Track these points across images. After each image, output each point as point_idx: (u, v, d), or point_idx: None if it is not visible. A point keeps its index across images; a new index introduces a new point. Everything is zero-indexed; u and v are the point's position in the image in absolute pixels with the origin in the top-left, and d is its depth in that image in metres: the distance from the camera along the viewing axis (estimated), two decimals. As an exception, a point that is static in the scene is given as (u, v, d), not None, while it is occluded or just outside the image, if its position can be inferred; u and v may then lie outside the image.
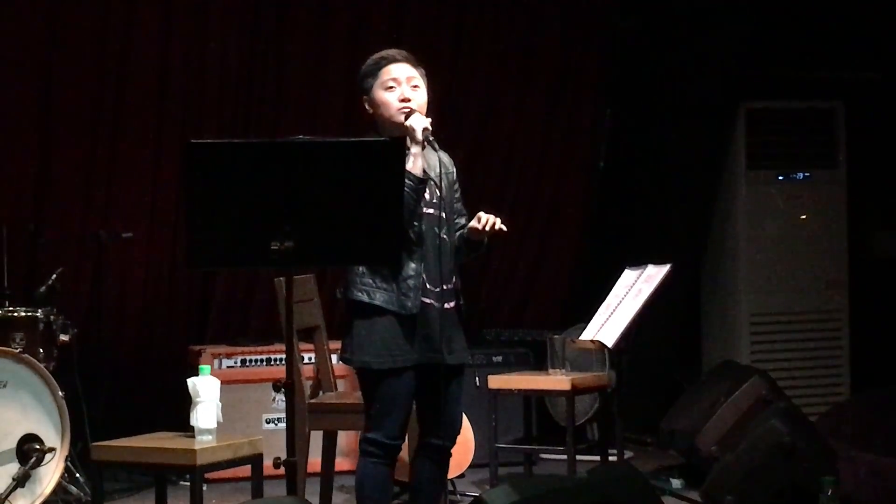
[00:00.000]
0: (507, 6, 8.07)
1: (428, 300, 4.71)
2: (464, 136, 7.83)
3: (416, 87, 4.76)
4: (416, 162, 4.67)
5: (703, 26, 8.06)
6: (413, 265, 4.69)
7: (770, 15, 7.94)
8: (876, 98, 8.28)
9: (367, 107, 4.79)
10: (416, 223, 4.70)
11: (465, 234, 4.84)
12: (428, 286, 4.71)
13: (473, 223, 4.74)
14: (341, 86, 7.44)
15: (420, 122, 4.69)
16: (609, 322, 6.01)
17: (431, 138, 4.71)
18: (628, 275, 6.15)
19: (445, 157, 4.84)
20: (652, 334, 6.93)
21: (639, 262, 6.19)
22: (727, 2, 7.94)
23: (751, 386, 6.70)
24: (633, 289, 6.04)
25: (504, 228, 4.74)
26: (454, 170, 4.89)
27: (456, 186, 4.91)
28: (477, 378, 7.06)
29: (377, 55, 4.81)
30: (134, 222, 7.22)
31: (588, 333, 6.07)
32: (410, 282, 4.68)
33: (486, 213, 4.74)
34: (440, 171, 4.76)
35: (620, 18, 8.34)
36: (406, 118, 4.71)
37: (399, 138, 4.57)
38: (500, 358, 7.44)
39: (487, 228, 4.72)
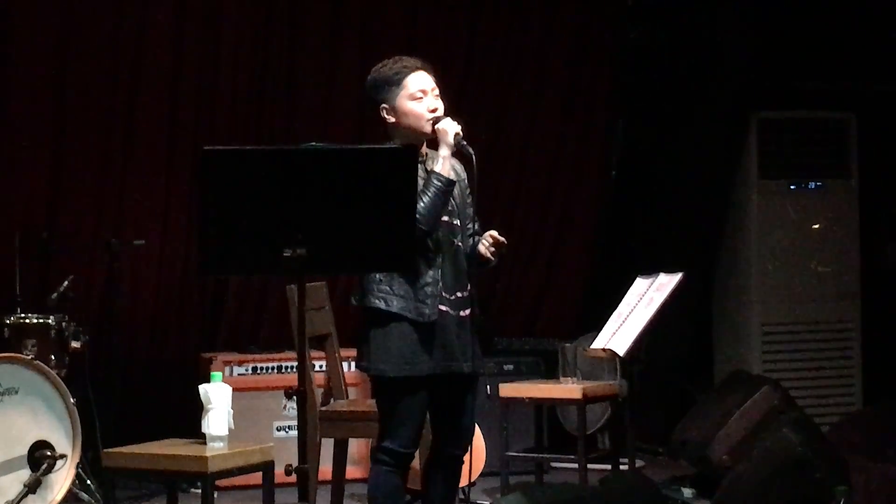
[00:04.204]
0: (518, 16, 8.08)
1: (444, 308, 4.71)
2: (475, 144, 7.79)
3: (437, 96, 4.77)
4: (445, 164, 4.70)
5: (715, 36, 8.06)
6: (430, 272, 4.69)
7: (782, 25, 7.94)
8: (888, 109, 8.27)
9: (385, 115, 4.76)
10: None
11: (474, 246, 4.83)
12: (444, 294, 4.71)
13: (482, 248, 4.76)
14: (353, 93, 7.44)
15: (452, 127, 4.71)
16: (621, 331, 6.01)
17: (464, 142, 4.71)
18: (640, 283, 6.15)
19: (458, 165, 4.85)
20: (663, 343, 6.91)
21: (651, 270, 6.19)
22: (739, 12, 7.94)
23: (762, 396, 6.69)
24: (645, 297, 6.03)
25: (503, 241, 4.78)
26: (465, 176, 4.90)
27: (468, 192, 4.90)
28: (488, 387, 7.06)
29: (395, 63, 4.78)
30: (146, 230, 7.23)
31: (599, 342, 6.06)
32: (428, 289, 4.68)
33: (493, 237, 4.76)
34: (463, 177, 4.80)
35: (632, 28, 8.34)
36: (434, 124, 4.71)
37: (412, 145, 4.58)
38: (511, 366, 7.44)
39: (493, 250, 4.75)
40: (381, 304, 4.69)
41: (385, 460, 4.74)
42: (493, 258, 4.80)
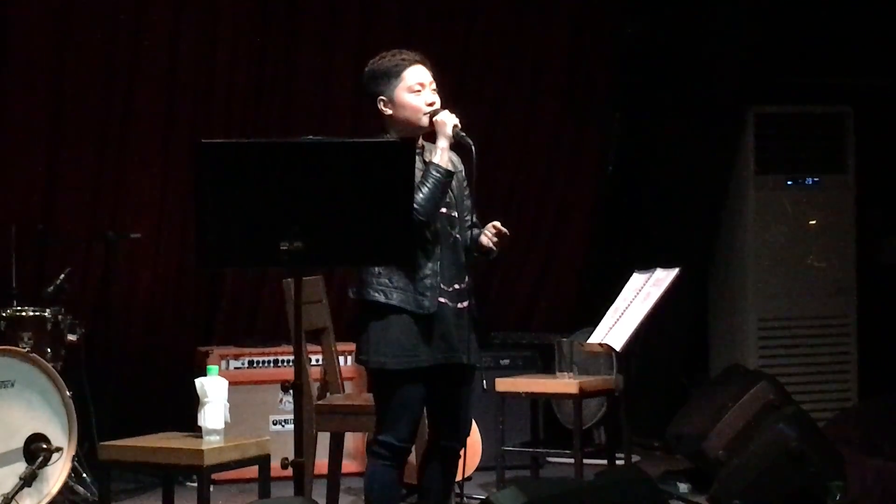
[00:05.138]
0: (515, 12, 8.07)
1: (443, 300, 4.71)
2: (472, 139, 7.80)
3: (434, 90, 4.79)
4: (443, 156, 4.71)
5: (711, 31, 8.05)
6: (430, 264, 4.69)
7: (779, 19, 7.93)
8: (885, 103, 8.26)
9: (382, 108, 4.76)
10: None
11: (475, 238, 4.84)
12: (442, 286, 4.71)
13: (485, 239, 4.77)
14: (350, 89, 7.44)
15: (450, 119, 4.73)
16: (617, 325, 6.01)
17: (463, 134, 4.72)
18: (637, 278, 6.15)
19: (455, 157, 4.85)
20: (660, 338, 6.92)
21: (647, 265, 6.19)
22: (736, 6, 7.93)
23: (758, 390, 6.69)
24: (642, 292, 6.03)
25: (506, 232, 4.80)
26: (463, 168, 4.90)
27: (465, 184, 4.91)
28: (484, 381, 7.01)
29: (393, 56, 4.78)
30: (142, 223, 7.23)
31: (596, 337, 6.07)
32: (427, 281, 4.68)
33: (496, 228, 4.79)
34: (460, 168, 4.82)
35: (629, 23, 8.34)
36: (432, 116, 4.72)
37: (409, 139, 4.59)
38: (507, 361, 7.44)
39: (496, 240, 4.78)
40: (381, 297, 4.68)
41: (382, 454, 4.74)
42: (495, 249, 4.81)
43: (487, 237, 4.80)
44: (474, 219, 4.89)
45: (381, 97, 4.76)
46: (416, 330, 4.68)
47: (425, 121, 4.75)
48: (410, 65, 4.76)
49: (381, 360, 4.70)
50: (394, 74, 4.74)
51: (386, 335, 4.68)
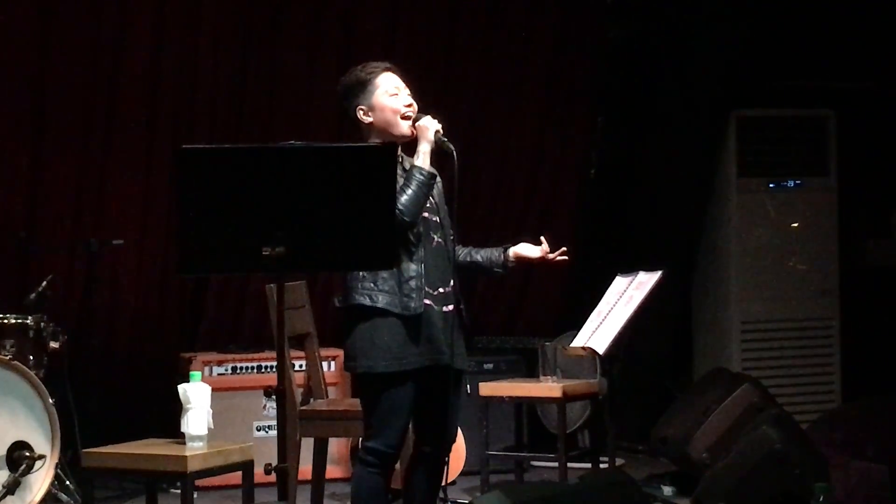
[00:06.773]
0: (498, 16, 8.08)
1: (428, 302, 4.71)
2: (455, 144, 7.80)
3: (409, 94, 4.84)
4: (425, 159, 4.73)
5: (694, 35, 8.07)
6: (413, 266, 4.70)
7: (761, 23, 7.96)
8: (867, 106, 8.29)
9: (362, 116, 4.80)
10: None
11: (497, 256, 4.96)
12: (427, 288, 4.71)
13: (530, 252, 4.94)
14: (333, 93, 7.39)
15: (433, 124, 4.77)
16: (600, 329, 6.00)
17: (445, 139, 4.74)
18: (620, 281, 6.15)
19: (432, 168, 4.86)
20: (643, 341, 6.91)
21: (630, 268, 6.19)
22: (718, 10, 7.95)
23: (742, 393, 6.71)
24: (625, 295, 6.03)
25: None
26: (440, 179, 4.92)
27: (443, 194, 4.93)
28: (468, 385, 7.03)
29: (364, 67, 4.87)
30: (125, 229, 7.21)
31: (579, 340, 6.06)
32: (412, 283, 4.69)
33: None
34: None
35: (612, 27, 8.35)
36: (414, 122, 4.76)
37: (391, 143, 4.61)
38: (491, 365, 7.44)
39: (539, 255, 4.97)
40: (367, 301, 4.68)
41: (369, 461, 4.73)
42: (510, 265, 4.96)
43: (539, 248, 4.99)
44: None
45: (360, 106, 4.81)
46: (403, 332, 4.68)
47: (405, 127, 4.78)
48: (382, 72, 4.84)
49: (370, 364, 4.69)
50: (368, 82, 4.81)
51: (373, 338, 4.68)
